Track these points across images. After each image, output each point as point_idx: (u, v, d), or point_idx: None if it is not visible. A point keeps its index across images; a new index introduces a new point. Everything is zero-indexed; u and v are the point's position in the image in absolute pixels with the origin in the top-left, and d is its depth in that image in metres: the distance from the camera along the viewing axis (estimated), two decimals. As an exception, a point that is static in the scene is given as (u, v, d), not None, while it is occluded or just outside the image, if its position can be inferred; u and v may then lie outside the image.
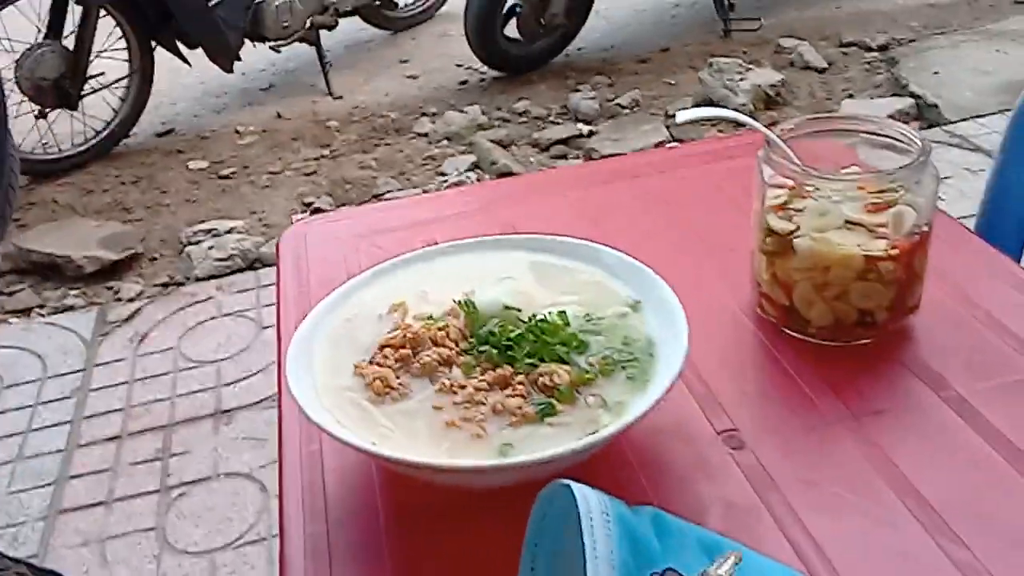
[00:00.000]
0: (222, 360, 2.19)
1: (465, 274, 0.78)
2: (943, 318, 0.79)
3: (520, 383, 0.67)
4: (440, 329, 0.72)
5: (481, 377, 0.68)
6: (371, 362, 0.71)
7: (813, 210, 0.74)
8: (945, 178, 2.47)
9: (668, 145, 2.91)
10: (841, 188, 0.73)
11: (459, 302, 0.74)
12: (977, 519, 0.61)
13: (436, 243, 0.92)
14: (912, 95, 3.02)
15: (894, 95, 3.08)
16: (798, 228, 0.74)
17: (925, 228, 0.74)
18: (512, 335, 0.69)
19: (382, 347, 0.72)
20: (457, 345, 0.71)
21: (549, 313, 0.71)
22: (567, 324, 0.71)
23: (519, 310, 0.72)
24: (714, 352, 0.77)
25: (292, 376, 0.68)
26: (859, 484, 0.65)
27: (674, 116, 3.09)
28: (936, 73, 3.12)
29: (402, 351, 0.71)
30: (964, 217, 2.31)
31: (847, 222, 0.74)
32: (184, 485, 1.87)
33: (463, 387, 0.67)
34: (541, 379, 0.66)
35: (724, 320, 0.82)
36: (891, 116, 2.87)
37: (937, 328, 0.78)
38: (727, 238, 0.92)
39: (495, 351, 0.69)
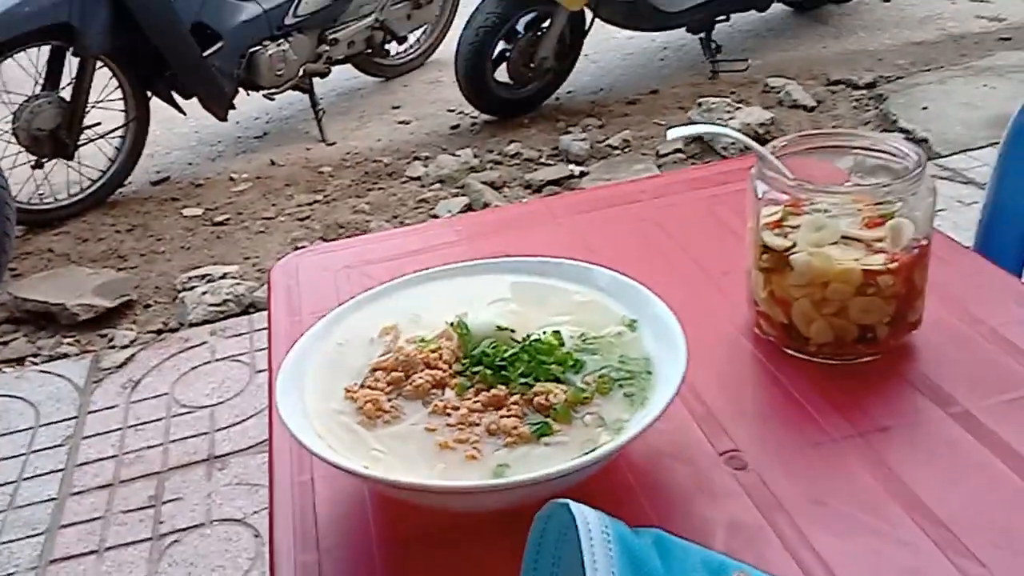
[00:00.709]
0: (215, 405, 2.16)
1: (457, 297, 0.77)
2: (946, 334, 0.77)
3: (515, 403, 0.65)
4: (433, 351, 0.70)
5: (475, 398, 0.66)
6: (362, 385, 0.69)
7: (809, 224, 0.73)
8: (939, 211, 2.47)
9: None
10: (837, 201, 0.72)
11: (452, 324, 0.72)
12: (991, 534, 0.59)
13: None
14: (902, 130, 3.04)
15: (883, 131, 3.11)
16: (794, 244, 0.73)
17: (924, 242, 0.73)
18: (506, 355, 0.68)
19: (374, 370, 0.70)
20: (450, 367, 0.69)
21: (543, 333, 0.70)
22: (562, 344, 0.69)
23: (513, 331, 0.71)
24: (713, 373, 0.76)
25: (282, 401, 0.66)
26: (868, 502, 0.63)
27: (666, 156, 3.11)
28: (925, 109, 3.15)
29: (394, 374, 0.69)
30: (960, 247, 2.28)
31: (844, 237, 0.73)
32: (177, 532, 1.83)
33: (456, 408, 0.66)
34: (536, 399, 0.65)
35: (722, 341, 0.80)
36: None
37: (940, 344, 0.76)
38: (721, 261, 0.91)
39: (489, 371, 0.67)
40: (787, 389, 0.74)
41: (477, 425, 0.64)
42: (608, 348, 0.69)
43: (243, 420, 2.09)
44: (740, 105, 3.28)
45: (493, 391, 0.66)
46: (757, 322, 0.79)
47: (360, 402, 0.67)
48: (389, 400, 0.67)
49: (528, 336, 0.70)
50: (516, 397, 0.65)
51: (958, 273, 0.85)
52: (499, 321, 0.72)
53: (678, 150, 3.15)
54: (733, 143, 3.05)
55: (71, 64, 3.14)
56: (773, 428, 0.71)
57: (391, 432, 0.65)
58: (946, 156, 2.85)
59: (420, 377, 0.68)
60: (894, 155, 0.75)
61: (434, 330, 0.73)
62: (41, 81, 3.16)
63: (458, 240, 1.03)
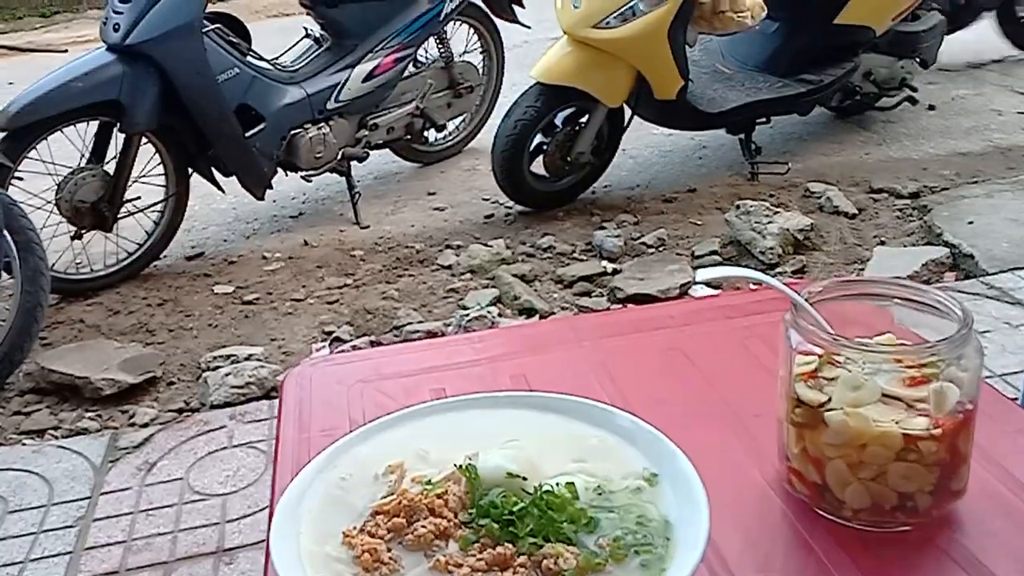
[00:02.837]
0: (229, 494, 2.11)
1: (469, 433, 0.73)
2: (993, 505, 0.72)
3: (521, 565, 0.61)
4: (439, 496, 0.66)
5: (479, 555, 0.62)
6: (362, 530, 0.65)
7: (846, 382, 0.68)
8: (984, 332, 2.39)
9: (691, 289, 2.87)
10: (876, 360, 0.68)
11: (460, 466, 0.68)
12: None
13: (443, 391, 0.87)
14: (946, 244, 2.97)
15: (928, 243, 3.04)
16: (830, 399, 0.69)
17: (969, 406, 0.68)
18: (515, 508, 0.64)
19: (375, 514, 0.66)
20: (456, 516, 0.65)
21: (556, 484, 0.66)
22: (576, 497, 0.65)
23: (524, 478, 0.67)
24: (739, 533, 0.71)
25: (276, 545, 0.63)
26: None
27: (701, 257, 3.08)
28: (971, 223, 3.08)
29: (396, 520, 0.65)
30: (1007, 374, 2.20)
31: (883, 395, 0.68)
32: (177, 629, 1.77)
33: (459, 565, 0.61)
34: (545, 562, 0.60)
35: (750, 496, 0.75)
36: (926, 265, 2.82)
37: (986, 516, 0.71)
38: (752, 402, 0.86)
39: (496, 526, 0.63)
40: (818, 556, 0.69)
41: (480, 588, 0.59)
42: (625, 506, 0.64)
43: (255, 512, 2.04)
44: (779, 209, 3.24)
45: (499, 548, 0.62)
46: (788, 478, 0.74)
47: (358, 550, 0.63)
48: (388, 549, 0.63)
49: (540, 487, 0.65)
50: (523, 559, 0.61)
51: (1006, 433, 0.79)
52: (510, 466, 0.68)
53: (714, 251, 3.12)
54: (771, 248, 3.01)
55: (117, 139, 3.20)
56: (802, 602, 0.66)
57: (387, 588, 0.60)
58: (993, 274, 2.77)
59: (423, 526, 0.64)
60: (938, 309, 0.71)
61: (442, 470, 0.69)
62: (87, 155, 3.22)
63: (477, 360, 0.99)
